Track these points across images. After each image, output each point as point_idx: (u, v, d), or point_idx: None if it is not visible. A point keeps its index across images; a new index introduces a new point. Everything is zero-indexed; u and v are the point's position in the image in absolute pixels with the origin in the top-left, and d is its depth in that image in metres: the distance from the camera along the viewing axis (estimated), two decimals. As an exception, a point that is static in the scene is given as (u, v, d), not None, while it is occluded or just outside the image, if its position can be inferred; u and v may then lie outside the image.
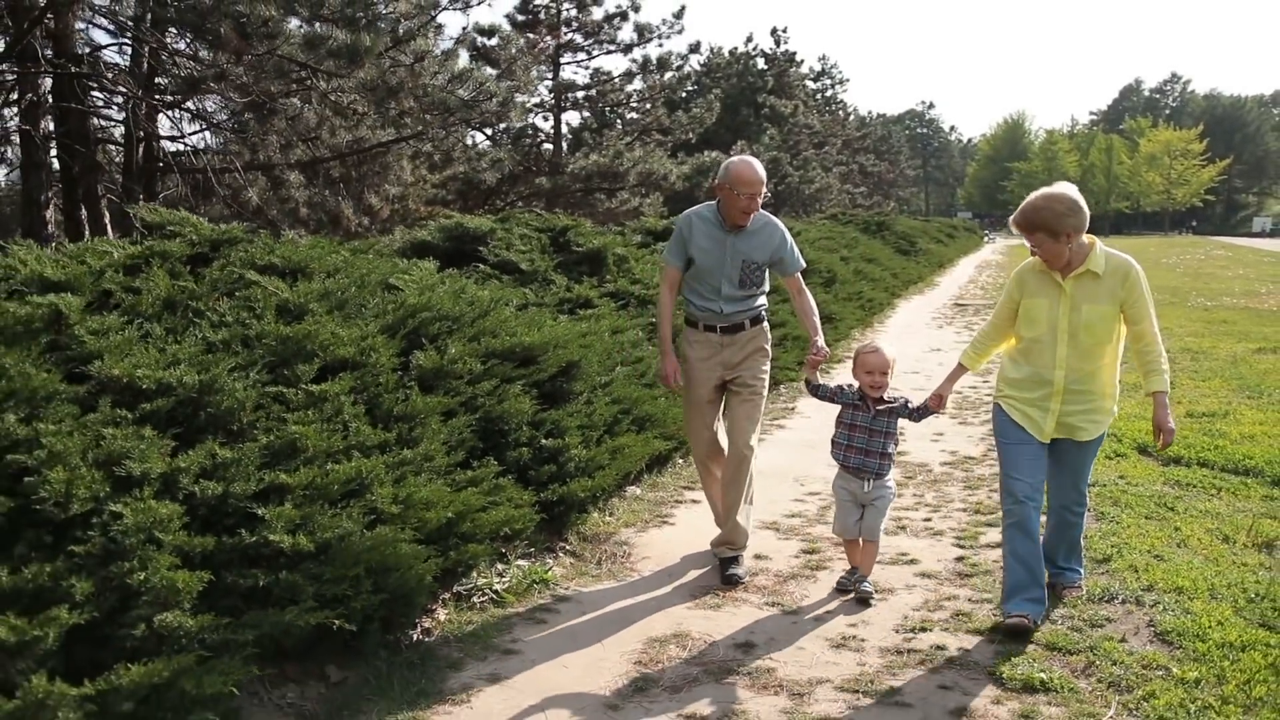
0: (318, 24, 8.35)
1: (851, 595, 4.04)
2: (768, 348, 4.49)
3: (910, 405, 4.12)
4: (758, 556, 4.51)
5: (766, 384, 4.47)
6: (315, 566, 3.17)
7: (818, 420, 7.38)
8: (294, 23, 8.56)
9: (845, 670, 3.34)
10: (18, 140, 14.02)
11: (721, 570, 4.31)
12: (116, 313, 3.82)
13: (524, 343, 4.97)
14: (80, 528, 2.89)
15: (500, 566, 4.10)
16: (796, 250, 4.48)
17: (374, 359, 4.19)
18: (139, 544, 2.88)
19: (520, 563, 4.21)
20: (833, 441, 4.22)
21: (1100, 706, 3.02)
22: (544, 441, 4.71)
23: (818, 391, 4.24)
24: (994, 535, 4.76)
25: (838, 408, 4.20)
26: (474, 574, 3.95)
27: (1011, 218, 3.72)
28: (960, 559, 4.45)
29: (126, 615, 2.77)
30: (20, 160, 14.91)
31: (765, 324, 4.48)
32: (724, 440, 4.51)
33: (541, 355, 5.07)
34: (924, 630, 3.66)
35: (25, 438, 2.97)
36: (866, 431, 4.13)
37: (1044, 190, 3.67)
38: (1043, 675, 3.21)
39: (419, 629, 3.56)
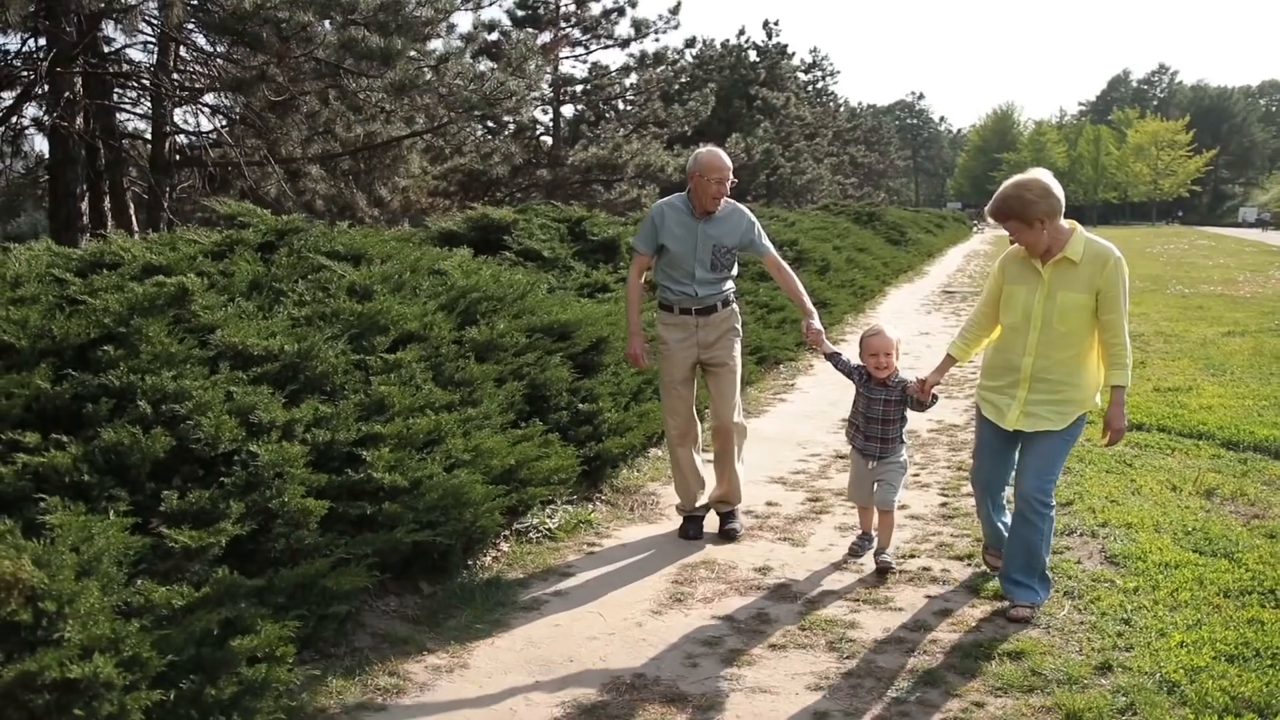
0: (350, 28, 8.94)
1: (863, 560, 4.26)
2: (739, 327, 4.76)
3: (916, 399, 4.15)
4: (769, 503, 5.20)
5: (740, 361, 4.73)
6: (410, 499, 3.83)
7: (815, 395, 8.06)
8: (327, 26, 9.15)
9: (848, 586, 4.03)
10: (35, 134, 14.60)
11: (721, 525, 4.72)
12: (213, 292, 4.45)
13: (560, 319, 5.63)
14: (224, 464, 3.53)
15: (550, 510, 4.77)
16: (764, 233, 4.74)
17: (435, 332, 4.84)
18: (272, 477, 3.53)
19: (566, 507, 4.88)
20: (848, 420, 4.46)
21: (1056, 608, 3.70)
22: (580, 406, 5.37)
23: (835, 362, 4.38)
24: (974, 487, 5.45)
25: (838, 388, 4.57)
26: (529, 515, 4.62)
27: (986, 206, 3.72)
28: (944, 505, 5.14)
29: (269, 534, 3.42)
30: (46, 155, 15.55)
31: (735, 306, 4.75)
32: (695, 419, 4.81)
33: (575, 331, 5.72)
34: (913, 557, 4.34)
35: (175, 391, 3.61)
36: (864, 416, 4.26)
37: (1016, 177, 3.65)
38: (1011, 587, 3.90)
39: (490, 556, 4.23)
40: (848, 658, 3.38)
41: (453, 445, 4.24)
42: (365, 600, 3.70)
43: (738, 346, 4.74)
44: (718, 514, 4.81)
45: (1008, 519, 3.96)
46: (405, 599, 3.79)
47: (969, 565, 4.23)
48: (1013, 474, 3.86)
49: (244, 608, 3.00)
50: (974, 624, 3.63)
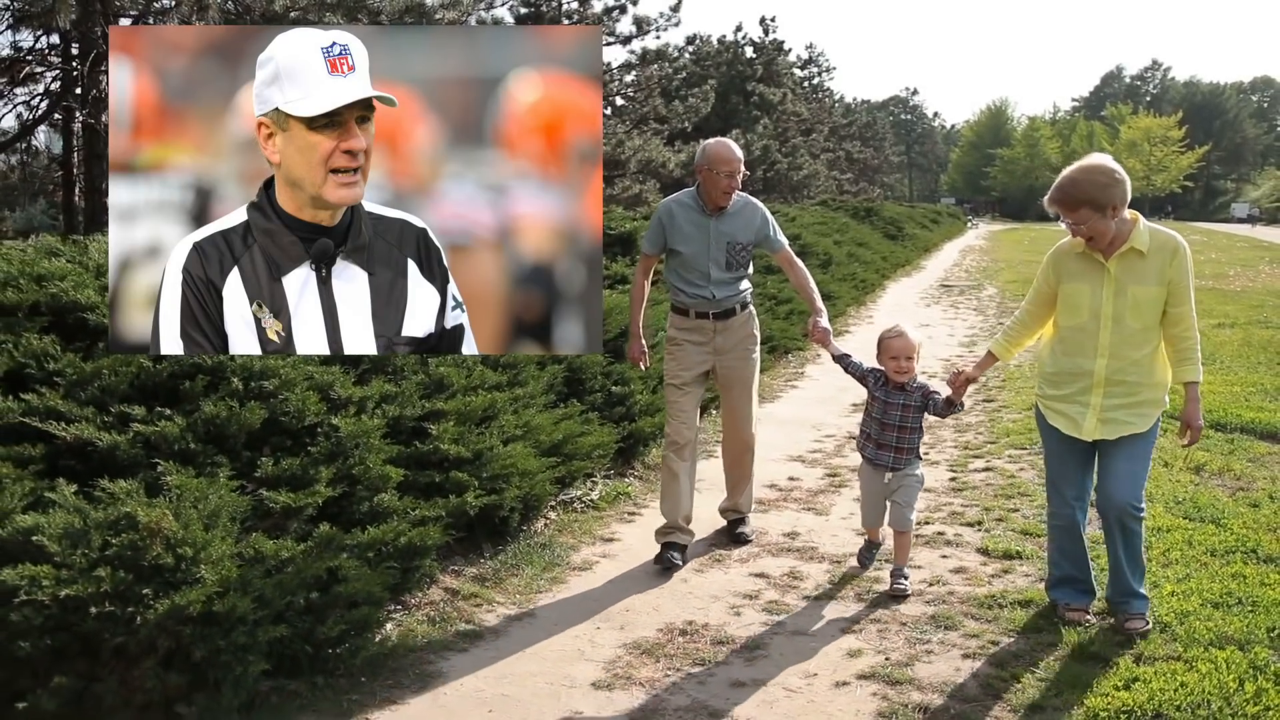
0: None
1: (870, 571, 4.08)
2: (756, 333, 4.50)
3: (936, 399, 3.94)
4: (790, 478, 5.59)
5: (758, 370, 4.49)
6: (473, 469, 4.21)
7: (825, 382, 8.45)
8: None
9: (869, 548, 4.41)
10: (45, 128, 14.91)
11: (730, 530, 4.59)
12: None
13: (592, 308, 6.01)
14: (308, 435, 3.90)
15: (590, 483, 5.16)
16: (779, 228, 4.55)
17: (482, 319, 5.21)
18: (353, 447, 3.90)
19: (605, 481, 5.27)
20: (860, 429, 4.21)
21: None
22: (613, 388, 5.76)
23: (845, 364, 4.10)
24: (981, 463, 5.86)
25: (846, 375, 4.15)
26: (573, 487, 5.00)
27: (1048, 198, 3.41)
28: (953, 479, 5.54)
29: (353, 497, 3.80)
30: (52, 150, 15.89)
31: (753, 309, 4.51)
32: (696, 430, 4.53)
33: (605, 319, 6.10)
34: (927, 524, 4.73)
35: (262, 369, 3.97)
36: (879, 423, 3.99)
37: (1079, 163, 3.39)
38: (1018, 548, 4.31)
39: (541, 523, 4.61)
40: (874, 606, 3.77)
41: (505, 421, 4.62)
42: (435, 560, 4.07)
43: (756, 354, 4.47)
44: (726, 520, 4.66)
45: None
46: (469, 559, 4.17)
47: (979, 531, 4.63)
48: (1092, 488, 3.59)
49: (344, 559, 3.37)
50: (986, 579, 4.02)
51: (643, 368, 4.60)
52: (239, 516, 3.35)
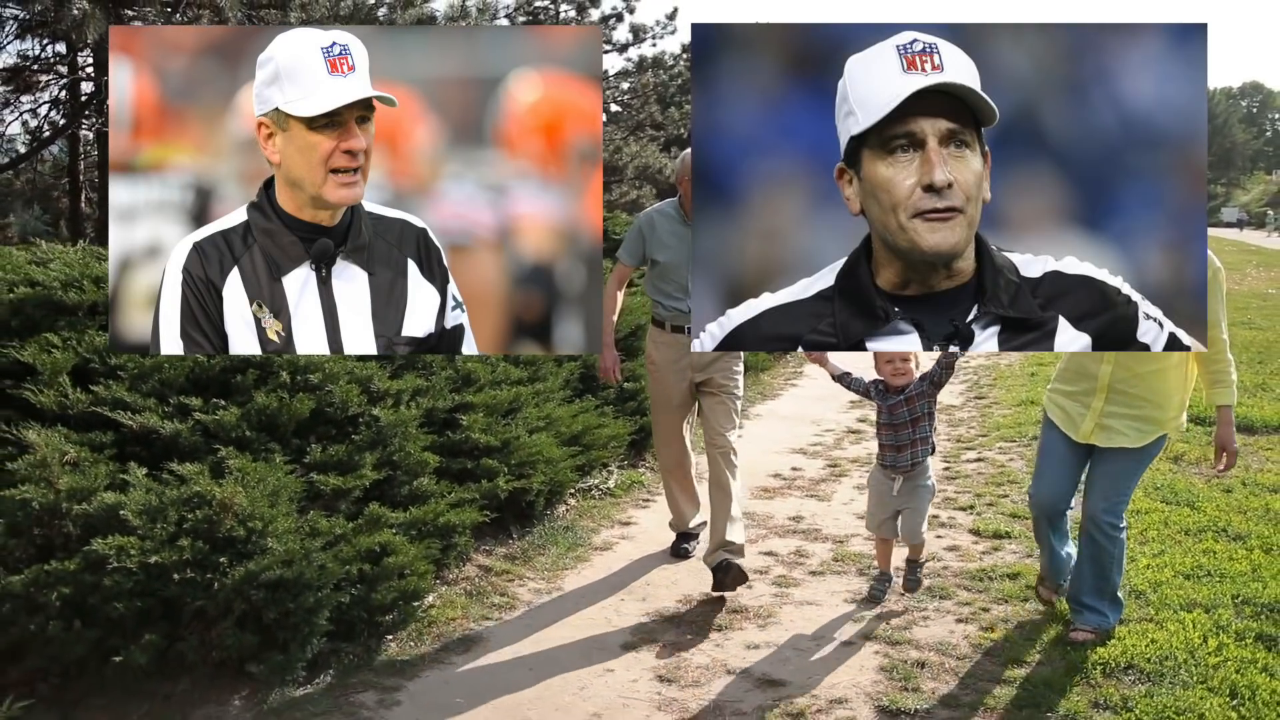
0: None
1: (886, 604, 3.87)
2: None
3: (932, 373, 3.81)
4: (793, 469, 5.92)
5: (741, 384, 4.28)
6: (501, 456, 4.53)
7: (824, 380, 8.71)
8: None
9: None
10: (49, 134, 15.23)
11: (716, 575, 3.94)
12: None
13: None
14: (351, 425, 4.22)
15: (606, 472, 5.49)
16: None
17: (502, 319, 5.53)
18: (393, 436, 4.22)
19: (619, 471, 5.59)
20: (877, 446, 4.03)
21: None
22: (625, 384, 6.08)
23: (846, 383, 3.94)
24: (973, 454, 6.20)
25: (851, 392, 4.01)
26: (591, 475, 5.33)
27: None
28: (947, 468, 5.87)
29: (393, 481, 4.11)
30: (53, 158, 16.20)
31: None
32: (689, 451, 4.47)
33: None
34: (923, 508, 5.07)
35: (307, 364, 4.29)
36: (891, 428, 3.85)
37: None
38: (1006, 529, 4.65)
39: (563, 508, 4.94)
40: (875, 581, 4.10)
41: (529, 413, 4.94)
42: (470, 539, 4.39)
43: (738, 368, 4.25)
44: (712, 566, 3.99)
45: (1071, 549, 3.68)
46: (499, 540, 4.49)
47: (971, 514, 4.97)
48: (1076, 493, 3.60)
49: (391, 535, 3.69)
50: (977, 556, 4.36)
51: (614, 382, 4.45)
52: (295, 497, 3.67)
